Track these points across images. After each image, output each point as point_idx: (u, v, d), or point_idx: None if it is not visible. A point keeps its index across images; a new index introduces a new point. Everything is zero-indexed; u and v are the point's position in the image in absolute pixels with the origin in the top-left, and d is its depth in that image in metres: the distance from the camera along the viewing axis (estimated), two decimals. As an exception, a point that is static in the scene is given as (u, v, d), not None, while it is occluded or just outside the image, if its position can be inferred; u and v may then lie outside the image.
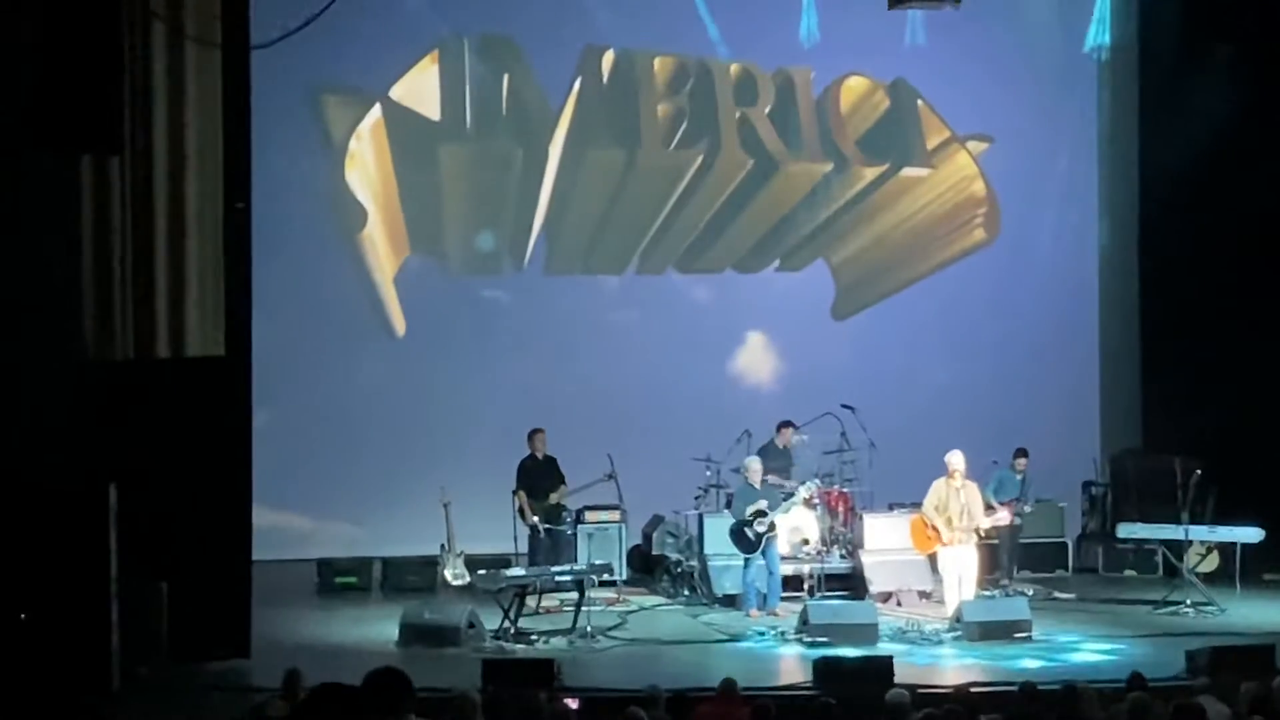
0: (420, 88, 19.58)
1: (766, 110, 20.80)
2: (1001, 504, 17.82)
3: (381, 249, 19.80)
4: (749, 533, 17.17)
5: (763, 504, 17.18)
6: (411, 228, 20.03)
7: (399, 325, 20.18)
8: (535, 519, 17.91)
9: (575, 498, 18.40)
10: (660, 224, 20.69)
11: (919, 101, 21.23)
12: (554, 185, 20.26)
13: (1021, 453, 18.71)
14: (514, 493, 18.02)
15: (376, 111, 19.52)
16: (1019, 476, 18.59)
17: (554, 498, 18.10)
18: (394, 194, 19.83)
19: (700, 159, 20.55)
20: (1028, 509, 18.39)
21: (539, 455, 18.19)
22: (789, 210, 21.08)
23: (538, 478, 18.12)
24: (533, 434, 18.24)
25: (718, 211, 20.82)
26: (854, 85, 21.10)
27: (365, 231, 19.65)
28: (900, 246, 21.47)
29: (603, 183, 20.37)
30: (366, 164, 19.59)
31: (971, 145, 21.48)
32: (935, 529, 16.75)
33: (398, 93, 19.55)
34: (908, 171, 21.31)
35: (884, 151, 21.28)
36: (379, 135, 19.55)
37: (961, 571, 16.69)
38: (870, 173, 21.17)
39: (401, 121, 19.64)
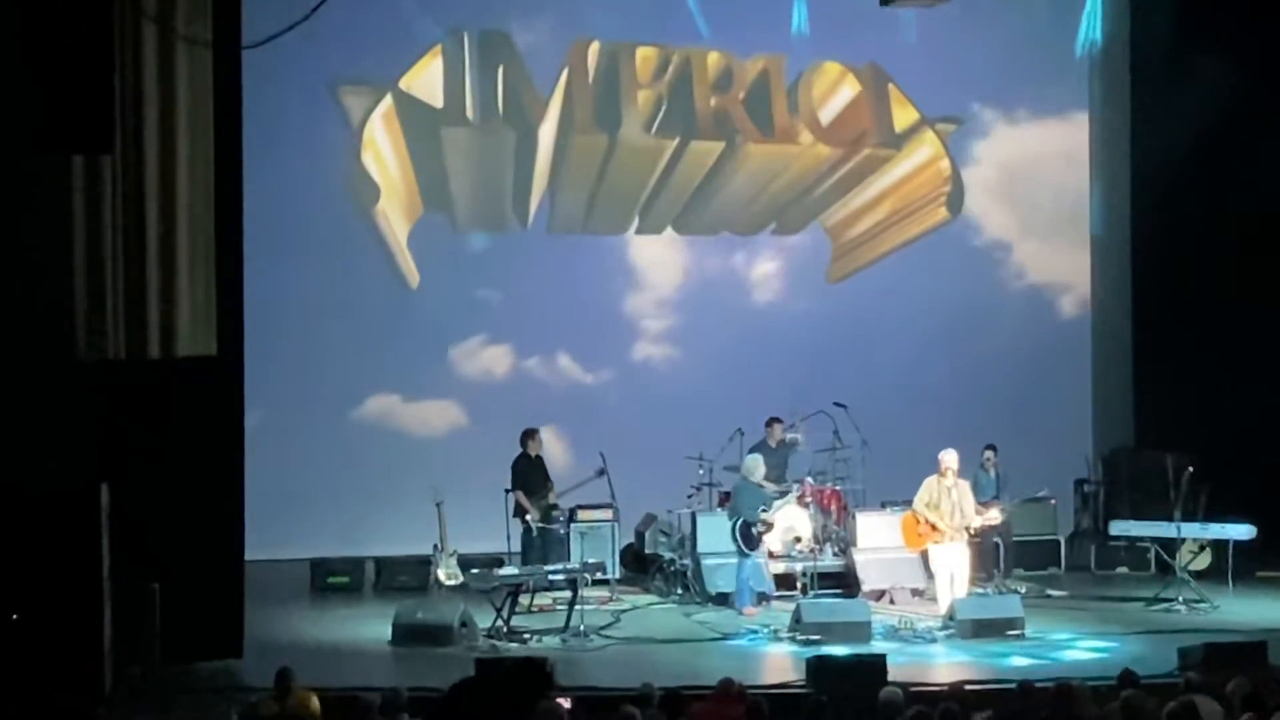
0: (426, 79, 20.62)
1: (741, 96, 21.35)
2: (982, 504, 17.74)
3: (394, 219, 20.62)
4: (755, 530, 17.20)
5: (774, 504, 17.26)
6: (424, 199, 20.83)
7: (413, 279, 20.73)
8: (532, 517, 17.89)
9: (569, 495, 18.39)
10: (644, 200, 21.30)
11: (889, 85, 21.66)
12: (546, 166, 20.98)
13: (989, 448, 18.71)
14: (509, 491, 18.01)
15: (388, 100, 20.53)
16: (992, 473, 18.58)
17: (550, 497, 18.09)
18: (406, 172, 20.71)
19: (676, 142, 21.23)
20: (1008, 507, 18.25)
21: (533, 455, 18.19)
22: (764, 188, 21.52)
23: (533, 476, 18.12)
24: (529, 433, 18.25)
25: (698, 189, 21.38)
26: (827, 70, 21.62)
27: (379, 206, 20.54)
28: (874, 221, 21.88)
29: (588, 165, 21.08)
30: (380, 147, 20.54)
31: (940, 127, 21.86)
32: (930, 524, 16.75)
33: (406, 83, 20.55)
34: (877, 151, 21.77)
35: (854, 133, 21.68)
36: (391, 121, 20.54)
37: (954, 569, 16.69)
38: (840, 153, 21.65)
39: (410, 109, 20.60)
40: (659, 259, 21.43)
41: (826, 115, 21.57)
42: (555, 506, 18.18)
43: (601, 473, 17.98)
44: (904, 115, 21.76)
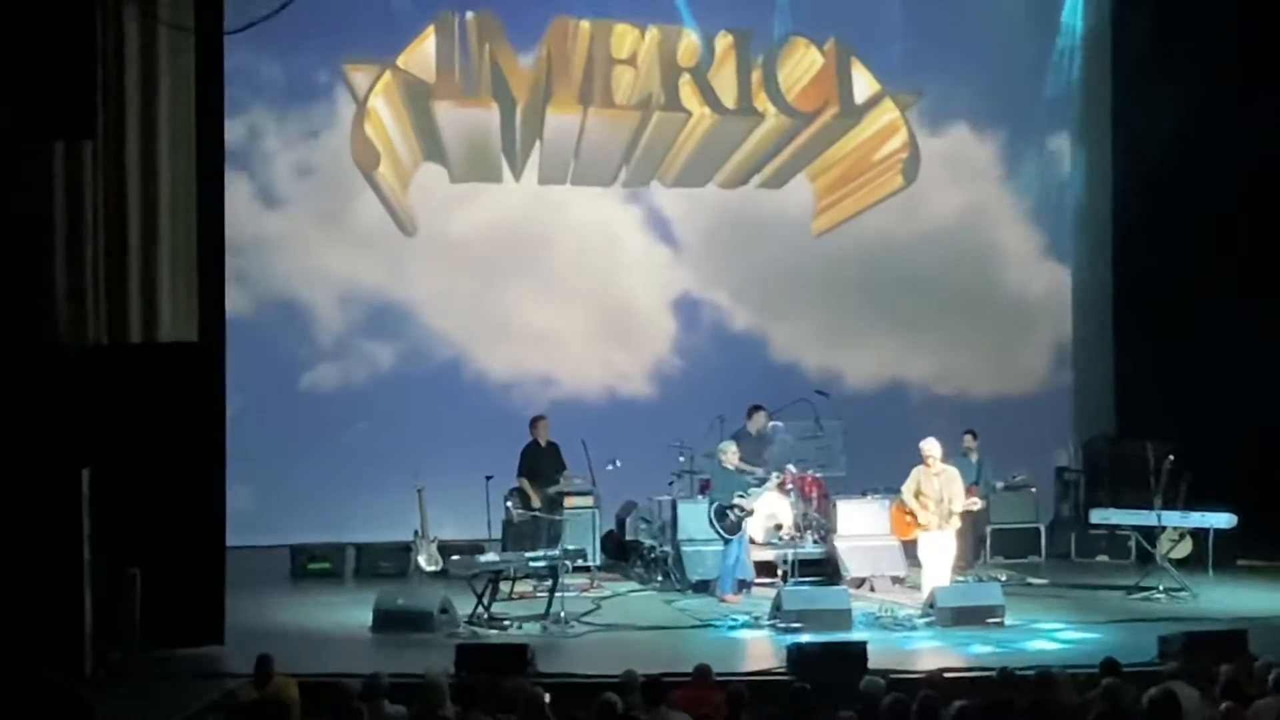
0: (421, 56, 21.28)
1: (710, 69, 21.80)
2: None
3: (394, 180, 21.22)
4: (732, 514, 17.20)
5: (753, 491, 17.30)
6: (423, 160, 21.38)
7: (412, 226, 21.20)
8: (535, 504, 17.94)
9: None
10: (623, 163, 21.74)
11: (853, 58, 22.00)
12: (530, 135, 21.42)
13: (969, 433, 18.72)
14: (519, 477, 18.13)
15: (388, 76, 21.21)
16: (972, 458, 18.60)
17: (553, 489, 18.14)
18: (408, 139, 21.27)
19: (648, 112, 21.71)
20: (985, 493, 18.19)
21: (542, 442, 18.22)
22: (734, 151, 21.88)
23: (541, 464, 18.15)
24: (535, 421, 18.35)
25: (674, 153, 21.77)
26: (793, 44, 21.97)
27: (380, 169, 21.15)
28: (839, 183, 22.15)
29: (568, 134, 21.54)
30: (380, 118, 21.21)
31: (901, 99, 22.13)
32: (912, 514, 16.77)
33: (403, 60, 21.22)
34: (839, 121, 22.09)
35: (817, 104, 21.97)
36: (391, 94, 21.22)
37: (940, 557, 16.71)
38: (803, 122, 21.96)
39: (406, 84, 21.24)
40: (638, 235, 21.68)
41: (792, 88, 21.88)
42: (563, 494, 18.20)
43: (616, 463, 18.02)
44: (866, 86, 22.06)
